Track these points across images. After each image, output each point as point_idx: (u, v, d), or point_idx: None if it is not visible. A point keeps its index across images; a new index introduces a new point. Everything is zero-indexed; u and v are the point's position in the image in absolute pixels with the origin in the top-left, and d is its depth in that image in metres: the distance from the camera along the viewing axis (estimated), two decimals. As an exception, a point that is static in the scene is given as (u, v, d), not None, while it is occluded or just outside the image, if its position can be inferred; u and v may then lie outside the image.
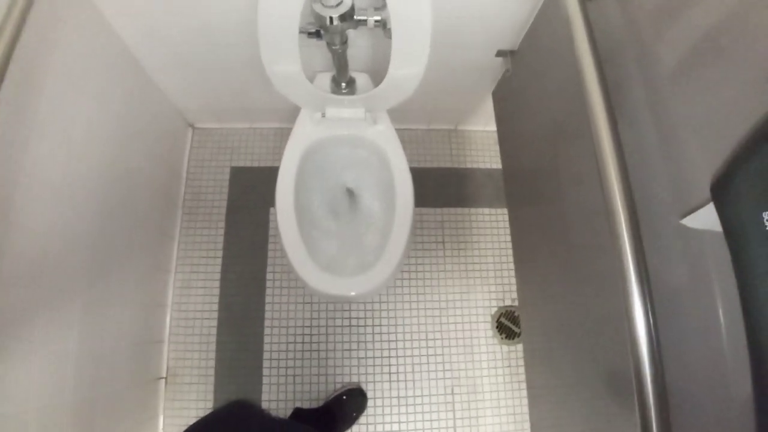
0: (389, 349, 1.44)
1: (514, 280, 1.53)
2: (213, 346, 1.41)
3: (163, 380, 1.37)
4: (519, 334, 1.47)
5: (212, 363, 1.39)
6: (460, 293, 1.50)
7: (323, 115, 1.10)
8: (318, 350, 1.42)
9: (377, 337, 1.44)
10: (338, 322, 1.44)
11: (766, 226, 0.41)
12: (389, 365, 1.43)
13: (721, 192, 0.48)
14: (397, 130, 1.13)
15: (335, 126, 1.11)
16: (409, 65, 0.96)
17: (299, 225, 1.01)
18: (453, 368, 1.45)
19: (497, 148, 1.62)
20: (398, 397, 1.41)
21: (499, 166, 1.61)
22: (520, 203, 1.16)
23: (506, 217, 1.57)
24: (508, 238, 1.56)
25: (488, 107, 1.38)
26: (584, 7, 0.73)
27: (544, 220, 1.03)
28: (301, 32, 0.91)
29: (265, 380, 1.39)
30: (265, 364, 1.40)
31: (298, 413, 1.31)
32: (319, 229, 1.18)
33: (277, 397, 1.38)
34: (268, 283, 1.46)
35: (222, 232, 1.50)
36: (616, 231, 0.60)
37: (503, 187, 1.24)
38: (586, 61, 0.70)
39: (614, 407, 0.77)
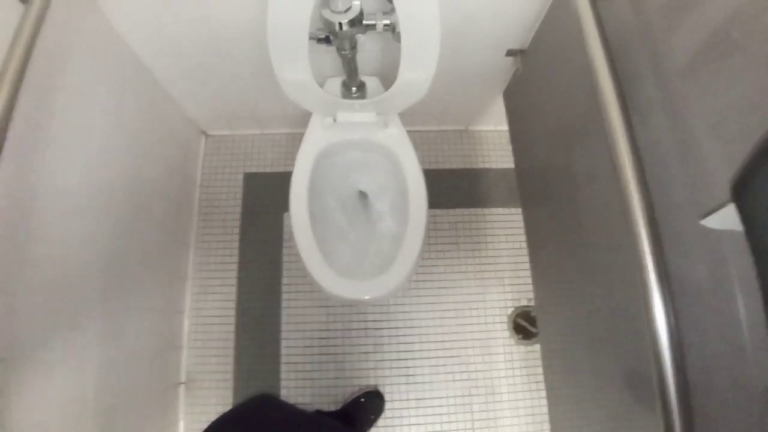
0: (406, 351, 1.44)
1: (529, 280, 1.51)
2: (231, 351, 1.42)
3: (183, 386, 1.39)
4: (536, 335, 1.46)
5: (230, 367, 1.41)
6: (475, 294, 1.50)
7: (335, 120, 1.10)
8: (335, 353, 1.42)
9: (394, 340, 1.44)
10: (354, 325, 1.45)
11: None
12: (406, 367, 1.43)
13: (743, 192, 0.48)
14: (407, 131, 1.14)
15: (347, 130, 1.12)
16: (419, 68, 0.96)
17: (313, 230, 1.02)
18: (470, 370, 1.44)
19: (509, 147, 1.61)
20: (416, 399, 1.41)
21: (512, 165, 1.59)
22: (533, 202, 1.16)
23: (520, 217, 1.56)
24: (523, 237, 1.54)
25: (499, 107, 1.37)
26: (595, 6, 0.73)
27: (558, 219, 1.02)
28: (310, 38, 0.92)
29: (283, 383, 1.40)
30: (283, 368, 1.41)
31: (317, 416, 1.32)
32: (333, 233, 1.18)
33: (295, 401, 1.38)
34: (284, 288, 1.47)
35: (237, 237, 1.51)
36: (635, 230, 0.59)
37: (516, 187, 1.24)
38: (599, 59, 0.70)
39: (636, 407, 0.76)
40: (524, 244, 1.53)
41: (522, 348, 1.47)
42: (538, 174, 1.12)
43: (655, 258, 0.58)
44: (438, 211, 1.56)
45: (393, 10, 0.86)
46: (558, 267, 1.04)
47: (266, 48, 0.92)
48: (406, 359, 1.44)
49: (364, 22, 0.88)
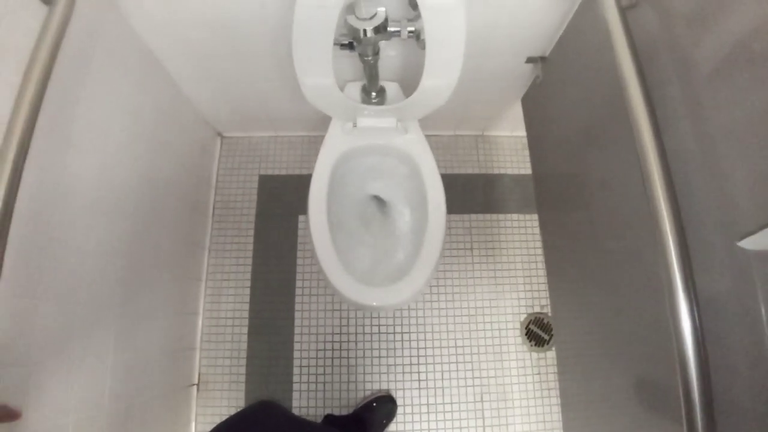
0: (418, 356, 1.44)
1: (543, 287, 1.51)
2: (244, 353, 1.42)
3: (195, 387, 1.39)
4: (548, 341, 1.46)
5: (243, 370, 1.41)
6: (489, 300, 1.50)
7: (354, 125, 1.10)
8: (348, 357, 1.42)
9: (406, 344, 1.44)
10: (367, 329, 1.45)
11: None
12: (418, 372, 1.43)
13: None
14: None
15: (366, 135, 1.12)
16: (442, 75, 0.96)
17: (332, 235, 1.02)
18: (482, 375, 1.44)
19: (525, 153, 1.61)
20: (428, 404, 1.41)
21: (527, 171, 1.60)
22: (551, 209, 1.15)
23: (535, 223, 1.56)
24: (537, 244, 1.55)
25: (516, 113, 1.37)
26: (624, 16, 0.73)
27: (576, 227, 1.02)
28: (333, 44, 0.92)
29: (295, 387, 1.40)
30: (296, 371, 1.41)
31: (328, 420, 1.32)
32: (350, 238, 1.18)
33: (307, 404, 1.39)
34: (298, 291, 1.47)
35: (251, 240, 1.52)
36: (662, 238, 0.59)
37: (533, 193, 1.23)
38: (627, 67, 0.70)
39: (653, 417, 0.76)
40: (538, 251, 1.53)
41: (534, 355, 1.47)
42: (556, 180, 1.12)
43: (682, 266, 0.58)
44: (453, 217, 1.55)
45: (418, 17, 0.86)
46: (575, 274, 1.04)
47: (285, 51, 0.93)
48: (419, 364, 1.43)
49: (389, 28, 0.88)
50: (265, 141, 1.62)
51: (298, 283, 1.48)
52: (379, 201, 1.29)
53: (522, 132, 1.32)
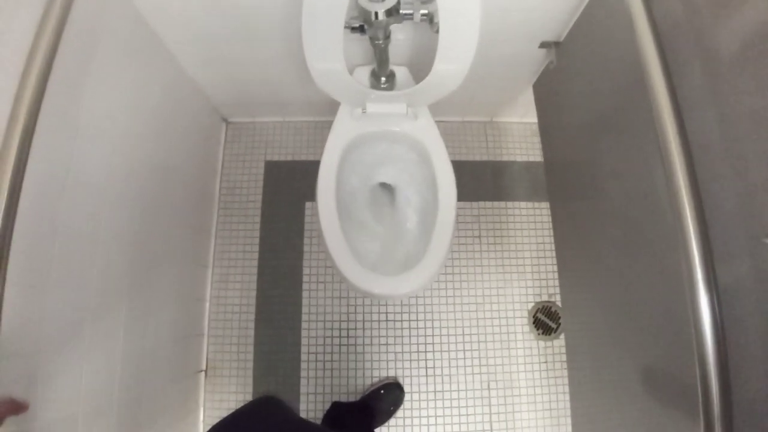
0: (426, 343, 1.44)
1: (551, 275, 1.50)
2: (251, 340, 1.42)
3: (203, 373, 1.40)
4: (556, 330, 1.46)
5: (251, 356, 1.41)
6: (496, 288, 1.49)
7: (363, 111, 1.08)
8: (355, 344, 1.42)
9: (414, 332, 1.44)
10: (375, 316, 1.44)
11: None
12: (426, 360, 1.43)
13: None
14: (432, 123, 1.11)
15: (376, 121, 1.10)
16: (454, 60, 0.94)
17: (341, 222, 1.00)
18: (489, 363, 1.44)
19: (534, 140, 1.59)
20: (434, 392, 1.41)
21: (537, 158, 1.58)
22: (562, 197, 1.14)
23: (544, 211, 1.54)
24: (546, 232, 1.53)
25: (527, 99, 1.35)
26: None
27: (588, 215, 1.01)
28: (344, 27, 0.90)
29: (303, 373, 1.40)
30: (303, 357, 1.41)
31: (336, 407, 1.32)
32: (359, 226, 1.17)
33: (315, 390, 1.39)
34: (305, 278, 1.46)
35: (258, 226, 1.51)
36: (684, 230, 0.58)
37: (545, 181, 1.22)
38: (649, 54, 0.68)
39: (665, 409, 0.75)
40: (547, 239, 1.52)
41: (542, 343, 1.46)
42: (568, 168, 1.10)
43: (703, 257, 0.57)
44: (461, 204, 1.54)
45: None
46: (586, 263, 1.03)
47: (294, 33, 0.90)
48: (426, 351, 1.43)
49: (401, 11, 0.86)
50: (271, 126, 1.60)
51: (306, 270, 1.47)
52: (389, 188, 1.28)
53: (532, 118, 1.30)
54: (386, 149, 1.17)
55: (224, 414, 1.36)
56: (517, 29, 1.06)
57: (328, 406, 1.36)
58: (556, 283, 1.49)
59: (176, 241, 1.22)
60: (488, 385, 1.43)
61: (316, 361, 1.41)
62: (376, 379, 1.40)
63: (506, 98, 1.45)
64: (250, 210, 1.52)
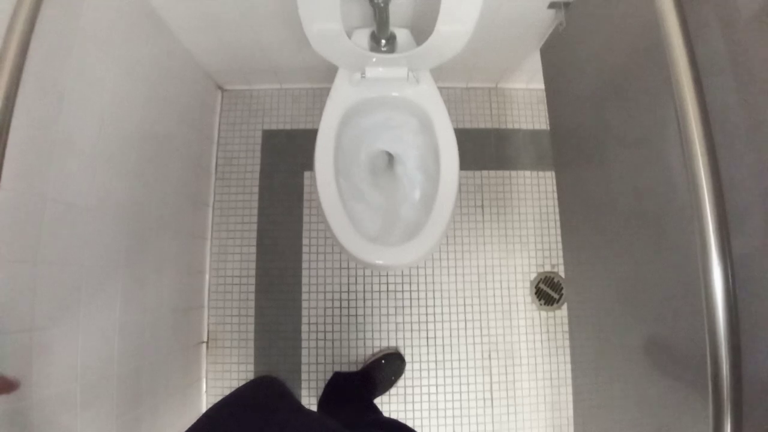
0: (427, 314, 1.43)
1: (554, 246, 1.48)
2: (252, 311, 1.42)
3: (204, 344, 1.40)
4: (558, 300, 1.45)
5: (252, 327, 1.41)
6: (499, 258, 1.47)
7: (363, 76, 1.04)
8: (356, 315, 1.42)
9: (415, 302, 1.43)
10: (376, 287, 1.43)
11: None
12: (427, 330, 1.43)
13: None
14: (435, 89, 1.07)
15: (376, 86, 1.05)
16: (458, 21, 0.89)
17: (340, 192, 0.98)
18: (490, 333, 1.44)
19: (540, 107, 1.54)
20: (435, 361, 1.41)
21: (543, 126, 1.54)
22: (568, 166, 1.11)
23: (548, 181, 1.51)
24: (550, 202, 1.50)
25: (533, 64, 1.29)
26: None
27: (595, 184, 0.98)
28: (341, -15, 0.85)
29: (303, 344, 1.40)
30: (304, 328, 1.41)
31: (336, 377, 1.33)
32: (359, 196, 1.14)
33: (316, 361, 1.39)
34: (305, 249, 1.45)
35: (256, 197, 1.48)
36: (699, 200, 0.55)
37: (551, 149, 1.18)
38: (668, 13, 0.63)
39: (669, 380, 0.75)
40: (551, 209, 1.49)
41: (543, 314, 1.46)
42: (575, 136, 1.07)
43: (719, 229, 0.54)
44: (464, 173, 1.50)
45: (434, -47, 0.79)
46: (591, 233, 1.01)
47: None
48: (427, 321, 1.43)
49: (402, -34, 0.81)
50: (268, 94, 1.55)
51: (305, 241, 1.45)
52: (389, 156, 1.24)
53: (538, 84, 1.25)
54: (387, 115, 1.13)
55: (226, 384, 1.38)
56: (525, -13, 1.00)
57: (329, 376, 1.37)
58: (560, 253, 1.47)
59: (173, 212, 1.19)
60: (489, 355, 1.43)
61: (317, 331, 1.41)
62: (377, 349, 1.40)
63: (512, 63, 1.40)
64: (248, 180, 1.49)
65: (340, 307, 1.42)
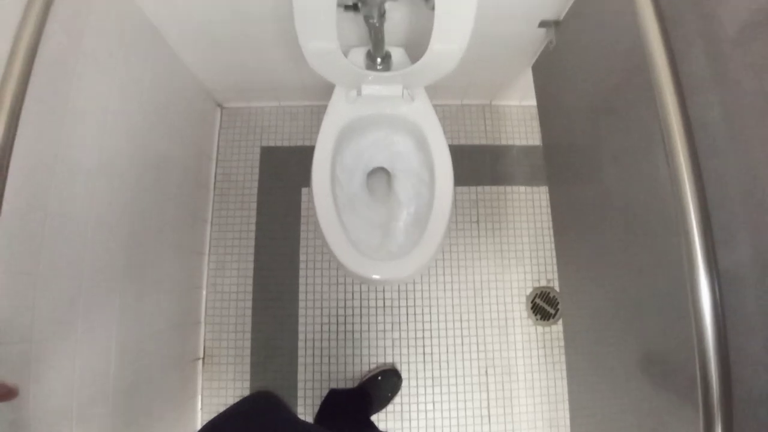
0: (423, 330, 1.43)
1: (549, 260, 1.49)
2: (249, 327, 1.42)
3: (201, 361, 1.39)
4: (554, 315, 1.45)
5: (248, 343, 1.41)
6: (494, 273, 1.48)
7: (359, 93, 1.06)
8: (353, 331, 1.42)
9: (411, 318, 1.43)
10: (372, 303, 1.44)
11: None
12: (423, 346, 1.42)
13: None
14: (430, 106, 1.09)
15: (372, 104, 1.07)
16: (451, 39, 0.92)
17: (336, 207, 0.99)
18: (487, 349, 1.44)
19: (533, 123, 1.57)
20: (432, 378, 1.41)
21: (536, 142, 1.56)
22: (561, 181, 1.12)
23: (543, 196, 1.53)
24: (545, 217, 1.52)
25: (526, 81, 1.32)
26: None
27: (587, 199, 0.99)
28: (337, 5, 0.87)
29: (300, 360, 1.40)
30: (300, 344, 1.41)
31: (333, 394, 1.32)
32: (355, 211, 1.15)
33: (312, 377, 1.39)
34: (302, 264, 1.45)
35: (254, 213, 1.49)
36: (684, 213, 0.56)
37: (543, 165, 1.20)
38: (652, 32, 0.65)
39: (663, 394, 0.75)
40: (546, 224, 1.51)
41: (540, 329, 1.46)
42: (567, 151, 1.09)
43: (704, 242, 0.55)
44: (459, 188, 1.52)
45: (427, -25, 0.81)
46: (584, 248, 1.02)
47: (287, 16, 0.88)
48: (424, 337, 1.43)
49: (396, -13, 0.83)
50: (266, 111, 1.58)
51: (302, 257, 1.46)
52: (385, 173, 1.26)
53: (531, 101, 1.27)
54: (382, 133, 1.15)
55: (222, 401, 1.37)
56: (516, 7, 1.03)
57: (325, 393, 1.36)
58: (555, 268, 1.48)
59: (171, 227, 1.20)
60: (486, 371, 1.42)
61: (314, 347, 1.40)
62: (373, 366, 1.40)
63: (505, 80, 1.43)
64: (246, 196, 1.50)
65: (337, 323, 1.42)
